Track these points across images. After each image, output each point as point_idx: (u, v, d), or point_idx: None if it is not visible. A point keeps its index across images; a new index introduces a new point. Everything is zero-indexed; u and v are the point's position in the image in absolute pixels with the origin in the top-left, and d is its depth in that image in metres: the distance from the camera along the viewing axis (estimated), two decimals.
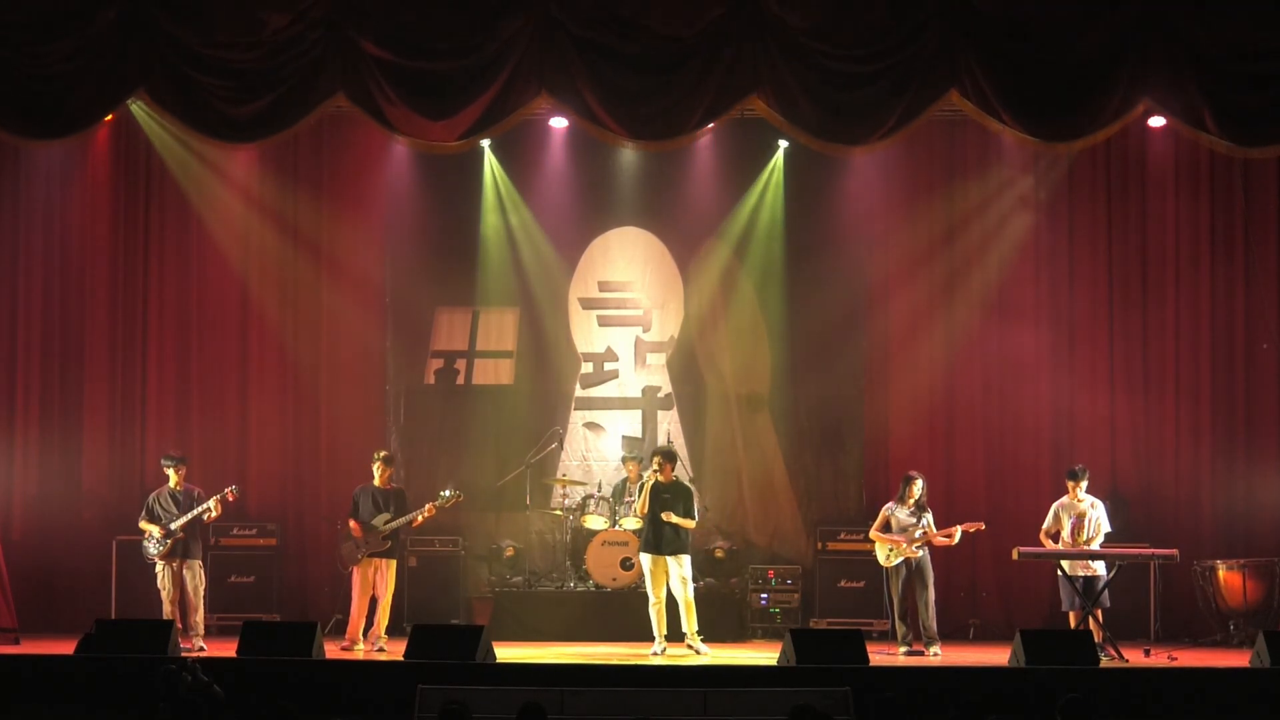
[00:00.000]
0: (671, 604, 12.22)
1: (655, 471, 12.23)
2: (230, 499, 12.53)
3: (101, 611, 12.88)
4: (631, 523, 13.44)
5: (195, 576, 12.44)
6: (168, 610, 12.28)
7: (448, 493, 12.79)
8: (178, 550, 12.37)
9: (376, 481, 12.66)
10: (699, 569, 13.68)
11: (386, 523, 12.46)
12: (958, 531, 12.32)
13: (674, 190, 14.62)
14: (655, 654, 12.01)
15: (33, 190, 14.28)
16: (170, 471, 12.53)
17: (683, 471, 13.74)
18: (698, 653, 12.03)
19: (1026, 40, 12.27)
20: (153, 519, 12.42)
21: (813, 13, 12.33)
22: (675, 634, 12.21)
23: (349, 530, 12.57)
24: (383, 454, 12.79)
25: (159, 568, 12.40)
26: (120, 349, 14.44)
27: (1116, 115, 12.31)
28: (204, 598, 12.51)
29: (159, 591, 12.39)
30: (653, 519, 12.14)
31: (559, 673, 10.37)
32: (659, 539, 12.14)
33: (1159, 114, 12.57)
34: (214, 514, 12.48)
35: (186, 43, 12.34)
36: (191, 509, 12.36)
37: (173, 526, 12.33)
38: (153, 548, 12.37)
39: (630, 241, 14.84)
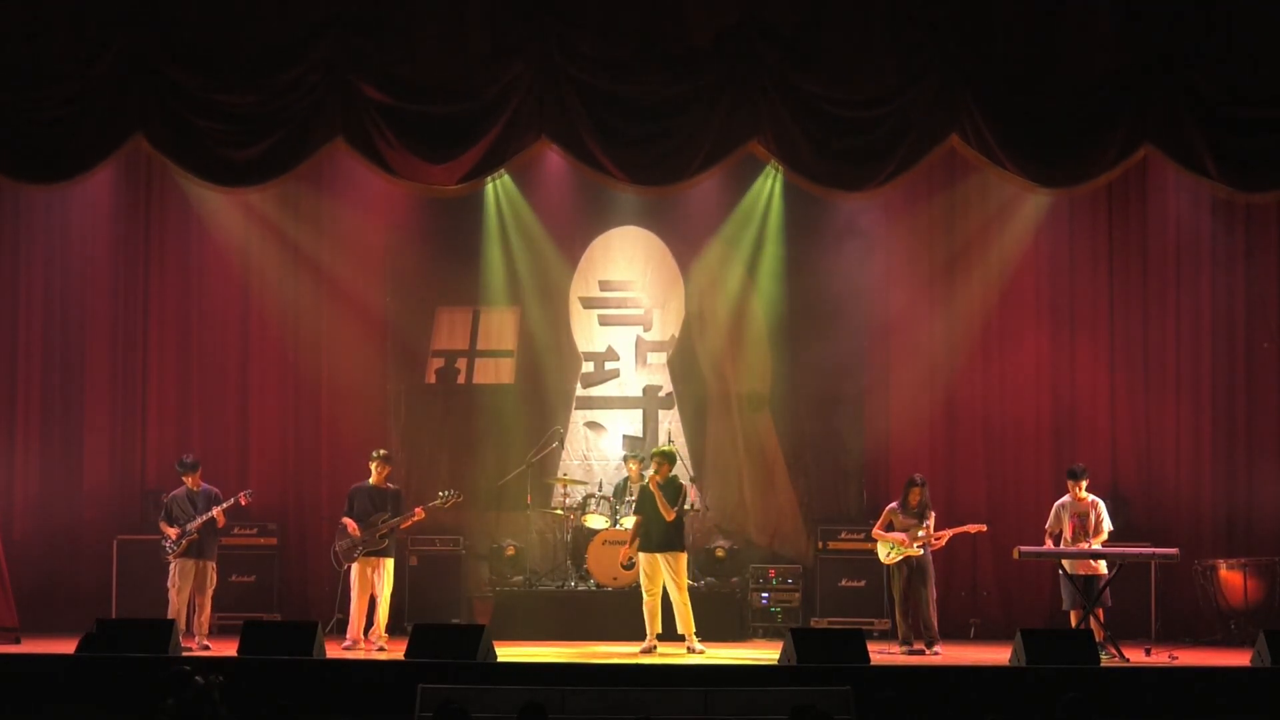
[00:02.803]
0: (667, 606, 12.21)
1: (654, 473, 12.27)
2: (244, 503, 12.57)
3: (102, 611, 12.90)
4: (631, 522, 13.44)
5: (208, 577, 12.49)
6: (174, 608, 12.28)
7: (445, 494, 12.80)
8: (193, 550, 12.41)
9: (372, 480, 12.64)
10: (700, 568, 13.71)
11: (383, 521, 12.46)
12: (947, 535, 12.38)
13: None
14: (643, 650, 11.99)
15: (34, 194, 14.24)
16: (186, 478, 12.57)
17: (683, 470, 13.75)
18: (696, 652, 12.01)
19: (1027, 86, 12.33)
20: (171, 521, 12.45)
21: (813, 60, 12.40)
22: (673, 635, 12.19)
23: (344, 527, 12.57)
24: (381, 453, 12.75)
25: (172, 565, 12.42)
26: (121, 348, 14.45)
27: (1117, 160, 12.42)
28: (211, 599, 12.56)
29: (169, 589, 12.39)
30: (645, 517, 12.23)
31: (559, 672, 10.35)
32: (648, 536, 12.20)
33: (1160, 158, 12.60)
34: (219, 523, 12.52)
35: (185, 87, 12.41)
36: (208, 509, 12.39)
37: (189, 527, 12.37)
38: (169, 546, 12.42)
39: (631, 241, 14.83)
